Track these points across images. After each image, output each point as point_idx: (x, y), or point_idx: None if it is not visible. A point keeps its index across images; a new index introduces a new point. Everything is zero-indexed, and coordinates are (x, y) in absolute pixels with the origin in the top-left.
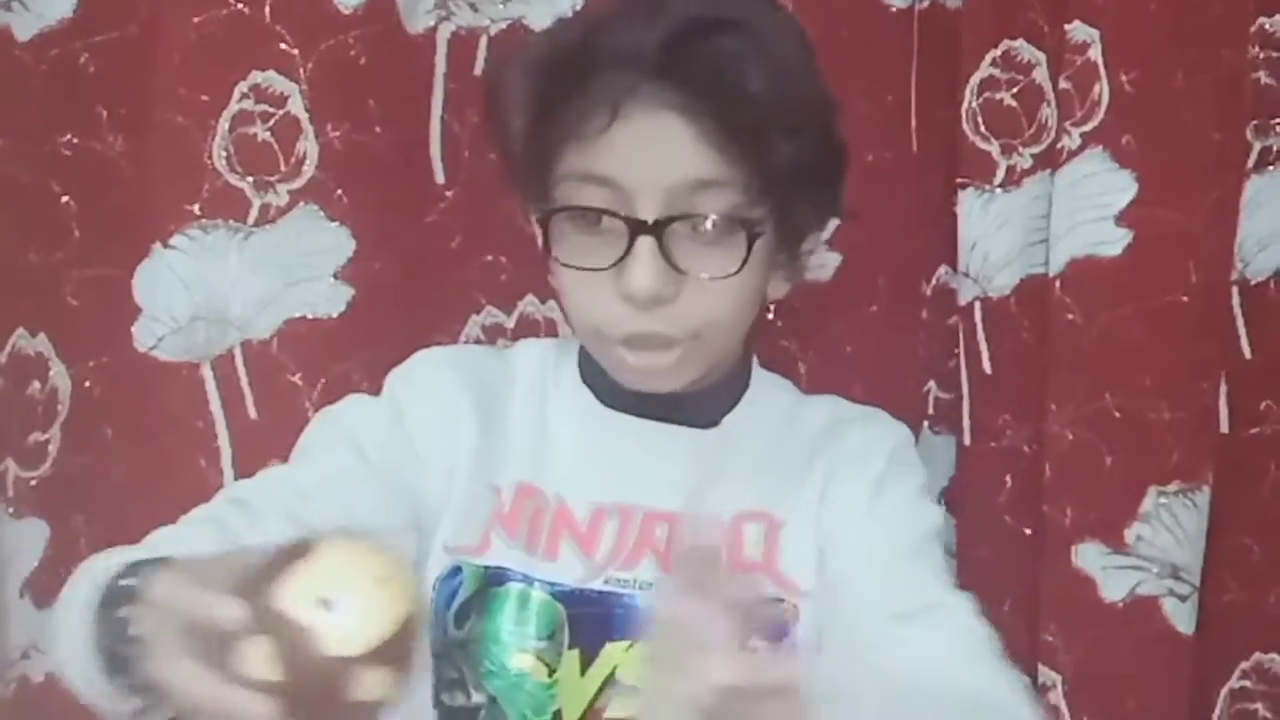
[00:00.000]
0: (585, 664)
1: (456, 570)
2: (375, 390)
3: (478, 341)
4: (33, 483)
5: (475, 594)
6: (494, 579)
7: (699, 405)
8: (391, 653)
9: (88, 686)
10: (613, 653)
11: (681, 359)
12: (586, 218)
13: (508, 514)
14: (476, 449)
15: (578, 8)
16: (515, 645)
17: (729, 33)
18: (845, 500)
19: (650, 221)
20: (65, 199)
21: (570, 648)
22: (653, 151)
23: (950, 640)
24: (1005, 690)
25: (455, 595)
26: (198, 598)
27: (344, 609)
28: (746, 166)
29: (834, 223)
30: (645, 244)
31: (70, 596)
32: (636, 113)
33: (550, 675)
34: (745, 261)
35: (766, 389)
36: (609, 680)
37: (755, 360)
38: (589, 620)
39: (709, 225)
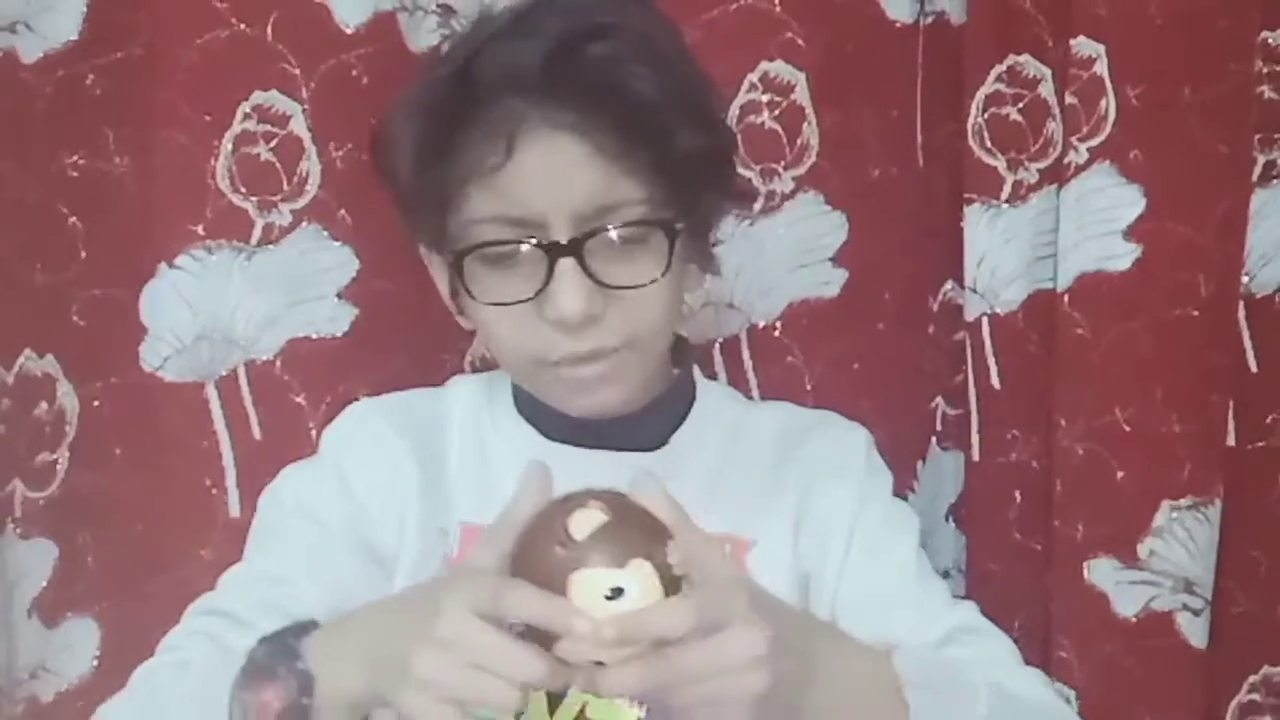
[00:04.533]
0: (553, 704)
1: None
2: None
3: (482, 360)
4: (41, 503)
5: None
6: None
7: (644, 427)
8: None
9: None
10: (579, 691)
11: (618, 368)
12: (502, 252)
13: (456, 557)
14: (421, 495)
15: None
16: None
17: (604, 39)
18: (827, 524)
19: (566, 242)
20: (72, 220)
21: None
22: (554, 178)
23: (993, 652)
24: (1052, 695)
25: None
26: (550, 606)
27: (630, 592)
28: (648, 173)
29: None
30: (567, 265)
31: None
32: (530, 140)
33: (516, 718)
34: (669, 264)
35: (713, 401)
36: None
37: (698, 373)
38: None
39: (625, 236)
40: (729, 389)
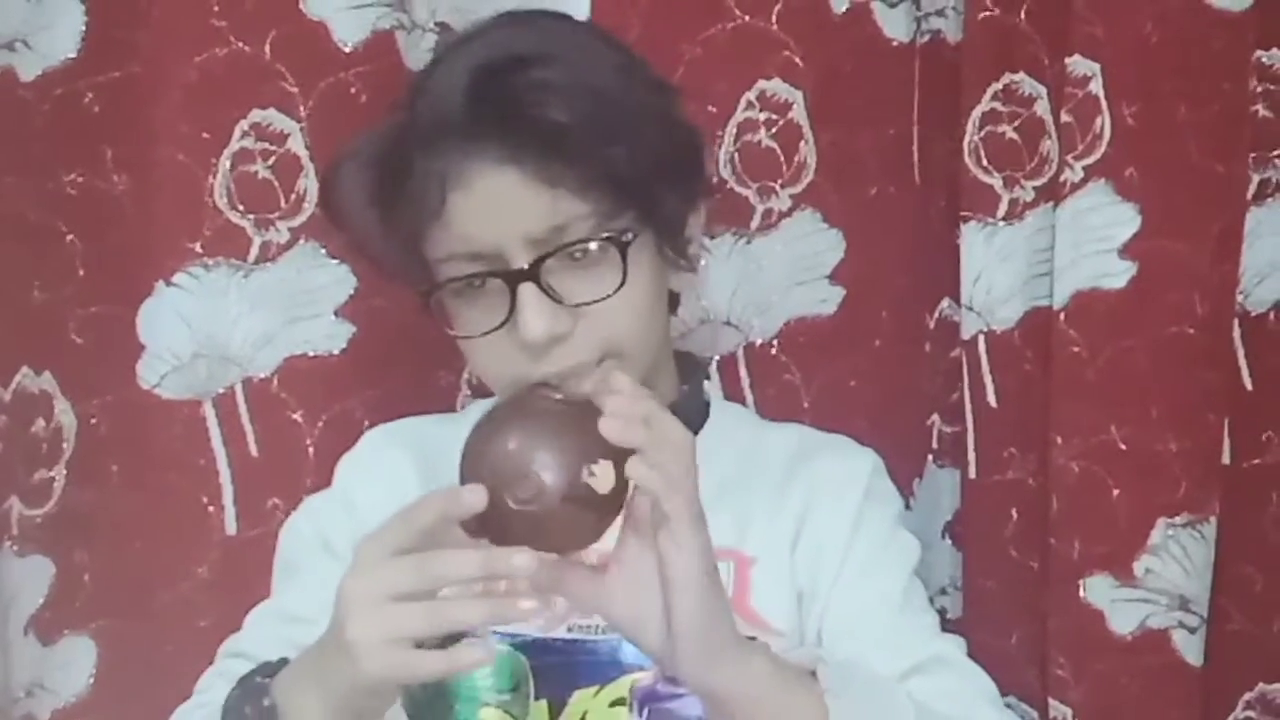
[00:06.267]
0: (554, 714)
1: None
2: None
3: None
4: (38, 520)
5: None
6: (451, 636)
7: None
8: None
9: None
10: (582, 700)
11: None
12: (466, 286)
13: None
14: None
15: None
16: (480, 700)
17: (525, 69)
18: (822, 544)
19: (524, 268)
20: (70, 237)
21: (537, 699)
22: (498, 210)
23: (960, 688)
24: None
25: None
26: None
27: None
28: (588, 193)
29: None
30: (527, 290)
31: None
32: (469, 177)
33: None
34: (625, 275)
35: (726, 420)
36: None
37: (715, 393)
38: (554, 670)
39: (580, 253)
40: (745, 409)
